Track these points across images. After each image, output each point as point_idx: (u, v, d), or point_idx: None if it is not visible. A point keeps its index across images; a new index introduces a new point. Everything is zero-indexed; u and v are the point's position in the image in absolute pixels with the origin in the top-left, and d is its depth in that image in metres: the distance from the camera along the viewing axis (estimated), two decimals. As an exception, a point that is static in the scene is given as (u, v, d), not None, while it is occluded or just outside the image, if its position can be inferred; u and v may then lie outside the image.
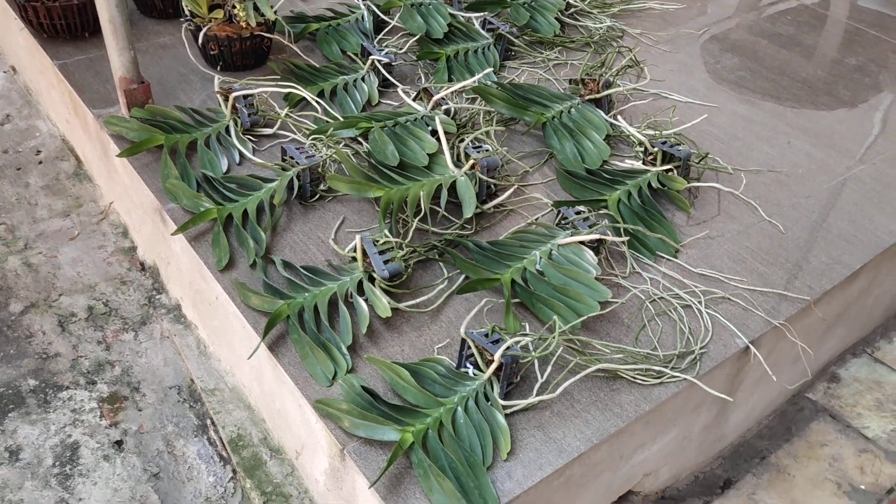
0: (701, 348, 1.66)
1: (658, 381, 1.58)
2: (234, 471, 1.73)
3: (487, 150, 1.96)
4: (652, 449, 1.69)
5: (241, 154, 2.07)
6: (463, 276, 1.78)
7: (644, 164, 2.08)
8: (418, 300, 1.70)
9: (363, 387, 1.49)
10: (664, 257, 1.87)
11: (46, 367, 1.93)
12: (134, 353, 1.98)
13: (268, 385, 1.69)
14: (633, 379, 1.58)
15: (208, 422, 1.82)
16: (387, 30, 2.64)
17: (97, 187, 2.47)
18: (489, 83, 2.27)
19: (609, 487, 1.67)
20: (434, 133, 2.09)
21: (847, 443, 2.01)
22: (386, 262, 1.67)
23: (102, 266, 2.21)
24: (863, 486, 1.91)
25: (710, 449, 1.93)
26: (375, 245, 1.69)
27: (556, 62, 2.59)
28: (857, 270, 1.90)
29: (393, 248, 1.71)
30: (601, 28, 2.77)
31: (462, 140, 2.07)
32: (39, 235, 2.29)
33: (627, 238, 1.78)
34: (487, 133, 2.05)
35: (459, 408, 1.47)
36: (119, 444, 1.78)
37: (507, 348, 1.47)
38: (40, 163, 2.56)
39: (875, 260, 1.95)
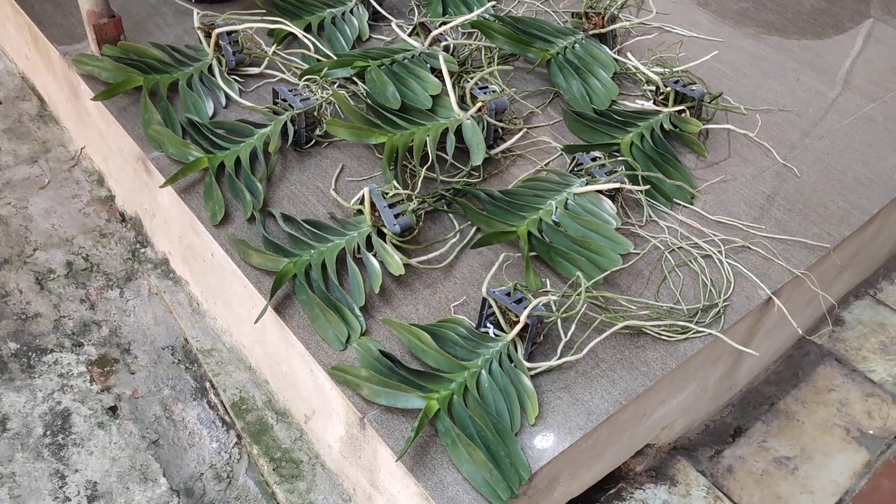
0: (724, 301, 1.60)
1: (683, 336, 1.53)
2: (238, 436, 1.65)
3: (494, 91, 1.84)
4: (672, 403, 1.65)
5: (227, 96, 1.93)
6: (475, 229, 1.69)
7: (655, 104, 1.99)
8: (430, 255, 1.61)
9: (381, 351, 1.41)
10: (680, 204, 1.80)
11: (27, 328, 1.81)
12: (121, 311, 1.86)
13: (272, 347, 1.60)
14: (657, 335, 1.52)
15: (207, 384, 1.73)
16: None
17: (65, 130, 2.29)
18: (488, 16, 2.13)
19: (630, 444, 1.63)
20: (434, 72, 1.96)
21: (854, 387, 2.00)
22: (397, 216, 1.56)
23: (78, 217, 2.06)
24: (871, 431, 1.91)
25: (721, 398, 1.91)
26: (384, 197, 1.58)
27: (554, -7, 2.45)
28: (874, 215, 1.85)
29: (403, 200, 1.60)
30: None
31: (466, 80, 1.94)
32: (6, 184, 2.12)
33: (647, 187, 1.70)
34: (492, 72, 1.93)
35: (484, 371, 1.40)
36: (113, 409, 1.68)
37: (533, 308, 1.40)
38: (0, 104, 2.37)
39: (890, 203, 1.90)
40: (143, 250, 1.99)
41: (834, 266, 1.86)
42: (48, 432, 1.63)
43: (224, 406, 1.69)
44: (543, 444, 1.34)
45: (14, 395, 1.69)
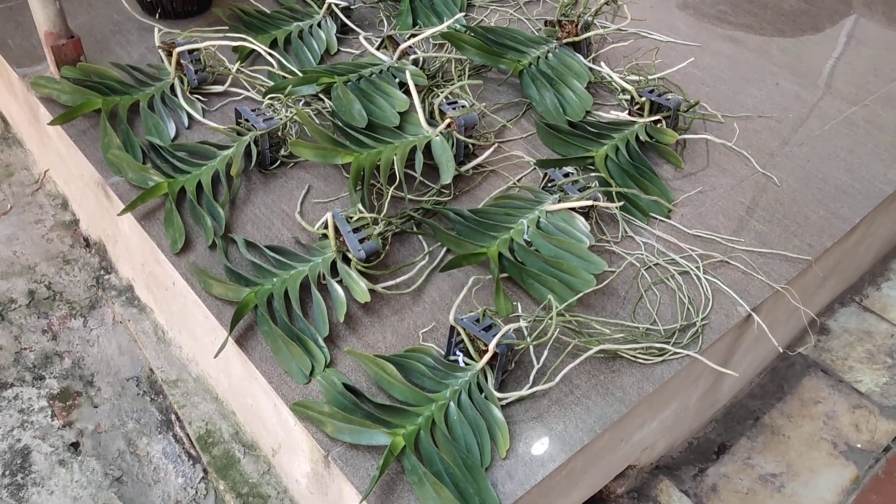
0: (702, 320, 1.55)
1: (660, 358, 1.48)
2: (204, 470, 1.60)
3: (464, 107, 1.79)
4: (651, 426, 1.60)
5: (189, 116, 1.87)
6: (445, 250, 1.63)
7: (630, 114, 1.94)
8: (398, 280, 1.55)
9: (345, 384, 1.35)
10: (657, 218, 1.75)
11: (-13, 362, 1.75)
12: (84, 341, 1.81)
13: (237, 379, 1.55)
14: (633, 358, 1.47)
15: (173, 417, 1.68)
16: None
17: (28, 153, 2.24)
18: (459, 27, 2.08)
19: (608, 469, 1.58)
20: (403, 87, 1.91)
21: (840, 399, 1.95)
22: (361, 240, 1.51)
23: (41, 243, 2.00)
24: (859, 445, 1.86)
25: (703, 414, 1.86)
26: (349, 222, 1.53)
27: (527, 0, 2.40)
28: (856, 224, 1.81)
29: (368, 224, 1.55)
30: (573, -40, 2.57)
31: (435, 95, 1.89)
32: (-33, 211, 2.07)
33: (621, 203, 1.65)
34: (462, 87, 1.88)
35: (452, 403, 1.35)
36: (75, 446, 1.63)
37: (502, 336, 1.35)
38: (-38, 126, 2.31)
39: (872, 211, 1.86)
40: (107, 276, 1.94)
41: (816, 278, 1.81)
42: (7, 472, 1.57)
43: (190, 439, 1.64)
44: (515, 477, 1.29)
45: (-28, 433, 1.63)
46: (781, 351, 1.88)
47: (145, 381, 1.74)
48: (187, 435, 1.64)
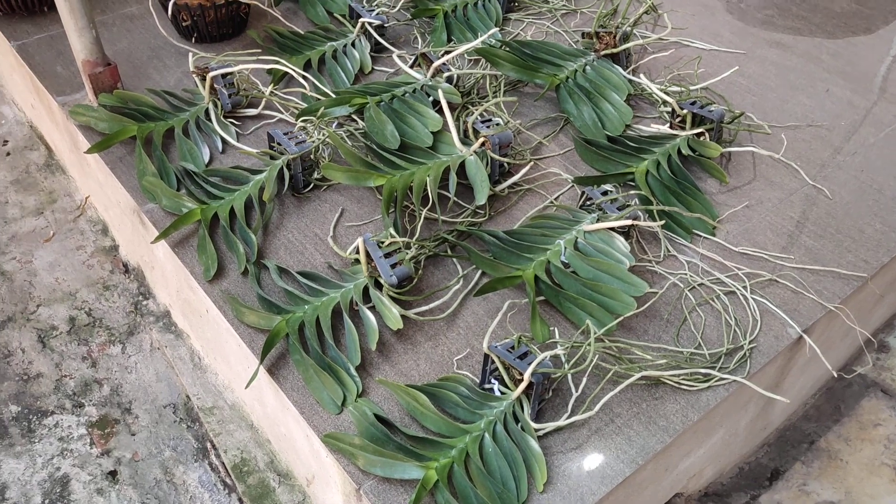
0: (750, 342, 1.48)
1: (706, 384, 1.41)
2: (240, 500, 1.58)
3: (498, 124, 1.75)
4: (698, 453, 1.53)
5: (223, 141, 1.87)
6: (479, 273, 1.59)
7: (671, 127, 1.87)
8: (431, 305, 1.52)
9: (377, 415, 1.32)
10: (701, 235, 1.68)
11: (28, 389, 1.77)
12: (122, 368, 1.81)
13: (270, 408, 1.53)
14: (677, 385, 1.41)
15: (208, 444, 1.66)
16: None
17: (71, 179, 2.27)
18: (493, 42, 2.04)
19: (652, 500, 1.52)
20: (437, 105, 1.88)
21: (902, 421, 1.85)
22: (393, 265, 1.48)
23: (82, 270, 2.02)
24: (923, 471, 1.76)
25: (755, 439, 1.78)
26: (380, 247, 1.50)
27: (564, 11, 2.35)
28: (915, 237, 1.71)
29: (400, 248, 1.52)
30: (611, -32, 2.52)
31: (469, 113, 1.86)
32: (12, 238, 2.10)
33: (663, 222, 1.58)
34: (497, 104, 1.84)
35: (487, 434, 1.30)
36: (113, 474, 1.63)
37: (538, 364, 1.30)
38: (8, 154, 2.35)
39: (933, 223, 1.76)
40: (145, 302, 1.94)
41: (873, 295, 1.72)
42: (46, 501, 1.58)
43: (226, 468, 1.62)
44: (553, 513, 1.24)
45: (14, 461, 1.64)
46: (836, 375, 1.79)
47: (182, 409, 1.74)
48: (223, 463, 1.63)
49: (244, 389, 1.61)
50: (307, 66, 2.07)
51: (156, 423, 1.71)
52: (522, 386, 1.30)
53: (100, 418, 1.72)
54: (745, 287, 1.57)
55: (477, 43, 1.91)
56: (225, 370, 1.72)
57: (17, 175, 2.28)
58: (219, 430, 1.67)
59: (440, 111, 1.85)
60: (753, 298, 1.55)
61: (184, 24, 2.14)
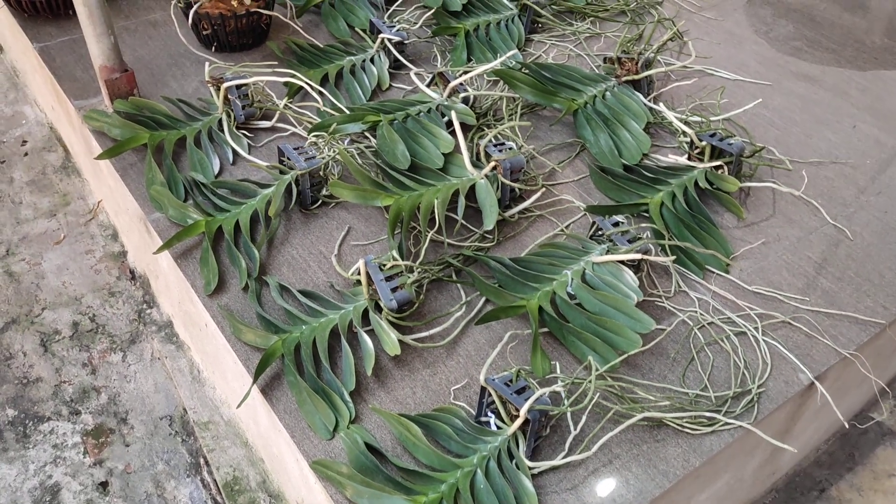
0: (759, 387, 1.43)
1: (710, 429, 1.36)
2: (229, 519, 1.56)
3: (511, 149, 1.71)
4: (700, 498, 1.48)
5: (234, 152, 1.85)
6: (483, 300, 1.56)
7: (689, 158, 1.83)
8: (432, 331, 1.48)
9: (368, 444, 1.29)
10: (714, 272, 1.63)
11: (27, 394, 1.76)
12: (122, 377, 1.80)
13: (263, 428, 1.50)
14: (680, 427, 1.36)
15: (202, 460, 1.64)
16: (400, 2, 2.38)
17: (86, 182, 2.27)
18: (513, 63, 2.01)
19: (651, 544, 1.47)
20: (450, 125, 1.85)
21: (918, 473, 1.79)
22: (394, 289, 1.45)
23: (90, 274, 2.02)
24: (937, 527, 1.69)
25: (762, 484, 1.72)
26: (382, 269, 1.47)
27: (588, 34, 2.32)
28: (938, 284, 1.65)
29: (402, 271, 1.49)
30: (638, -8, 2.48)
31: (482, 135, 1.83)
32: (23, 239, 2.10)
33: (674, 258, 1.54)
34: (512, 127, 1.81)
35: (479, 470, 1.26)
36: (104, 485, 1.61)
37: (535, 401, 1.26)
38: (26, 154, 2.36)
39: (958, 270, 1.70)
40: (149, 311, 1.93)
41: (891, 342, 1.66)
42: (35, 509, 1.57)
43: (217, 485, 1.60)
44: (543, 556, 1.20)
45: (6, 466, 1.63)
46: (847, 426, 1.73)
47: (178, 421, 1.72)
48: (214, 481, 1.60)
49: (236, 408, 1.58)
50: (324, 81, 2.05)
51: (151, 434, 1.70)
52: (518, 422, 1.27)
53: (95, 427, 1.70)
54: (756, 328, 1.52)
55: (495, 64, 1.88)
56: (222, 385, 1.70)
57: (34, 175, 2.29)
58: (213, 446, 1.64)
59: (453, 132, 1.82)
60: (765, 340, 1.50)
61: (204, 32, 2.14)
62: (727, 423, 1.37)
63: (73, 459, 1.65)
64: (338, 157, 1.72)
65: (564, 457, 1.30)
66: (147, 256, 1.89)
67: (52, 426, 1.70)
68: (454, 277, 1.59)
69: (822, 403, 1.56)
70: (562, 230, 1.70)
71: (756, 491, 1.72)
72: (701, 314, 1.54)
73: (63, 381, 1.78)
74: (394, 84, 2.10)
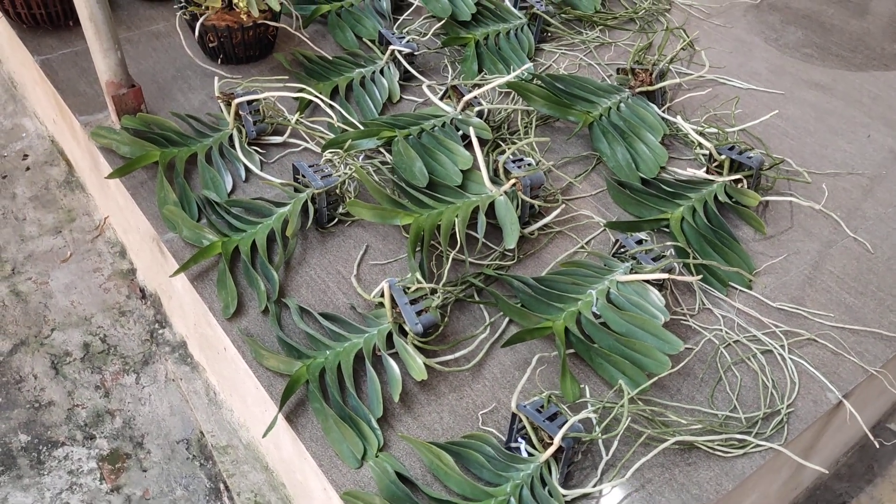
0: (788, 407, 1.42)
1: (741, 451, 1.35)
2: (251, 546, 1.53)
3: (530, 165, 1.69)
4: (728, 518, 1.47)
5: (247, 169, 1.82)
6: (507, 321, 1.54)
7: (708, 171, 1.81)
8: (457, 354, 1.46)
9: (398, 473, 1.27)
10: (737, 288, 1.62)
11: (39, 418, 1.73)
12: (136, 399, 1.77)
13: (287, 454, 1.48)
14: (712, 450, 1.35)
15: (221, 485, 1.62)
16: (408, 12, 2.35)
17: (90, 198, 2.23)
18: (526, 75, 1.99)
19: (680, 566, 1.46)
20: (466, 139, 1.83)
21: (938, 485, 1.79)
22: (419, 312, 1.43)
23: (99, 293, 1.98)
24: (960, 540, 1.69)
25: (784, 500, 1.72)
26: (406, 293, 1.45)
27: (598, 43, 2.30)
28: (960, 297, 1.65)
29: (426, 294, 1.46)
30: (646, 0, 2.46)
31: (500, 150, 1.81)
32: (28, 257, 2.06)
33: (700, 277, 1.52)
34: (530, 143, 1.79)
35: (513, 499, 1.25)
36: (122, 513, 1.58)
37: (569, 428, 1.24)
38: (28, 169, 2.32)
39: (978, 282, 1.69)
40: (161, 331, 1.90)
41: (914, 356, 1.66)
42: (53, 539, 1.54)
43: (238, 511, 1.57)
44: (580, 586, 1.19)
45: (21, 494, 1.60)
46: (878, 446, 1.73)
47: (195, 445, 1.69)
48: (235, 506, 1.58)
49: (262, 437, 1.56)
50: (334, 93, 2.02)
51: (168, 459, 1.67)
52: (552, 449, 1.25)
53: (111, 452, 1.68)
54: (782, 346, 1.51)
55: (511, 77, 1.86)
56: (241, 408, 1.67)
57: (37, 191, 2.25)
58: (233, 471, 1.62)
59: (468, 146, 1.80)
60: (791, 359, 1.49)
61: (210, 45, 2.10)
62: (758, 445, 1.36)
63: (90, 486, 1.62)
64: (354, 174, 1.69)
65: (598, 483, 1.28)
66: (158, 276, 1.86)
67: (66, 451, 1.67)
68: (476, 298, 1.57)
69: (846, 418, 1.55)
70: (582, 247, 1.69)
71: (779, 506, 1.71)
72: (726, 332, 1.53)
73: (76, 405, 1.75)
74: (404, 96, 2.08)
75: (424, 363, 1.40)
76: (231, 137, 1.87)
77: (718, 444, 1.35)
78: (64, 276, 2.02)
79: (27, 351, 1.85)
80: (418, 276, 1.50)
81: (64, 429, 1.71)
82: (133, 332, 1.90)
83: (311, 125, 1.92)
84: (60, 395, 1.77)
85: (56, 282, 2.00)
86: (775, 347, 1.51)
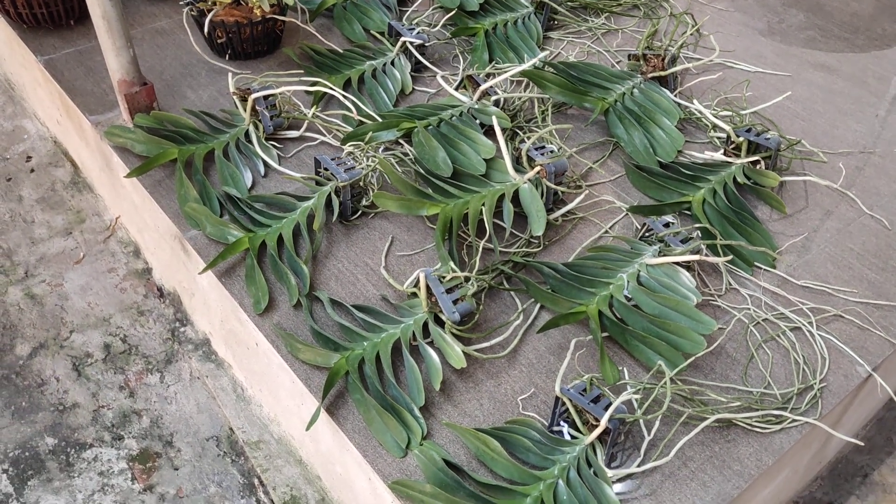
0: (820, 382, 1.44)
1: (779, 427, 1.37)
2: (290, 540, 1.53)
3: (553, 152, 1.70)
4: (763, 494, 1.49)
5: (265, 164, 1.81)
6: (538, 306, 1.55)
7: (725, 154, 1.83)
8: (492, 342, 1.47)
9: (446, 461, 1.27)
10: (761, 268, 1.64)
11: (65, 421, 1.71)
12: (162, 398, 1.76)
13: (325, 446, 1.48)
14: (750, 427, 1.37)
15: (255, 480, 1.61)
16: (415, 4, 2.35)
17: (99, 198, 2.21)
18: (539, 63, 2.00)
19: (719, 542, 1.48)
20: (484, 128, 1.84)
21: (957, 455, 1.82)
22: (455, 301, 1.43)
23: (115, 293, 1.97)
24: (982, 507, 1.73)
25: (809, 473, 1.74)
26: (441, 282, 1.45)
27: (605, 30, 2.31)
28: (977, 270, 1.68)
29: (461, 283, 1.47)
30: (648, -14, 2.48)
31: (520, 139, 1.81)
32: (40, 260, 2.04)
33: (729, 258, 1.54)
34: (550, 131, 1.79)
35: (561, 481, 1.26)
36: (157, 512, 1.57)
37: (615, 410, 1.25)
38: (32, 171, 2.29)
39: None
40: (182, 329, 1.89)
41: (935, 329, 1.69)
42: (89, 541, 1.53)
43: (274, 506, 1.57)
44: (632, 565, 1.20)
45: (53, 497, 1.59)
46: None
47: (225, 442, 1.69)
48: (271, 501, 1.58)
49: (295, 420, 1.56)
50: (347, 85, 2.02)
51: (199, 456, 1.66)
52: (598, 431, 1.26)
53: (140, 451, 1.66)
54: (810, 323, 1.53)
55: (528, 66, 1.87)
56: (271, 403, 1.66)
57: (43, 193, 2.22)
58: (266, 466, 1.62)
59: (486, 134, 1.80)
60: (820, 335, 1.52)
61: (218, 41, 2.09)
62: (795, 420, 1.38)
63: (122, 486, 1.61)
64: (377, 166, 1.69)
65: (641, 463, 1.30)
66: (178, 274, 1.85)
67: (95, 453, 1.66)
68: (506, 285, 1.58)
69: (871, 388, 1.58)
70: (606, 231, 1.70)
71: (805, 480, 1.74)
72: (755, 311, 1.55)
73: (101, 406, 1.74)
74: (416, 87, 2.08)
75: (462, 351, 1.40)
76: (247, 133, 1.86)
77: (756, 421, 1.37)
78: (78, 278, 2.00)
79: (47, 354, 1.83)
80: (452, 265, 1.50)
81: (91, 430, 1.70)
82: (153, 331, 1.89)
83: (328, 118, 1.91)
84: (84, 396, 1.75)
85: (71, 283, 1.98)
86: (804, 324, 1.53)
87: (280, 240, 1.62)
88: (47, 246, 2.08)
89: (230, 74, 1.92)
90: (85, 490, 1.60)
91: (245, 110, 1.85)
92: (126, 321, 1.91)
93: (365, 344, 1.42)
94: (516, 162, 1.73)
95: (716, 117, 1.87)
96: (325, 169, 1.70)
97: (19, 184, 2.25)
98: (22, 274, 2.00)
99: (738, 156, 1.80)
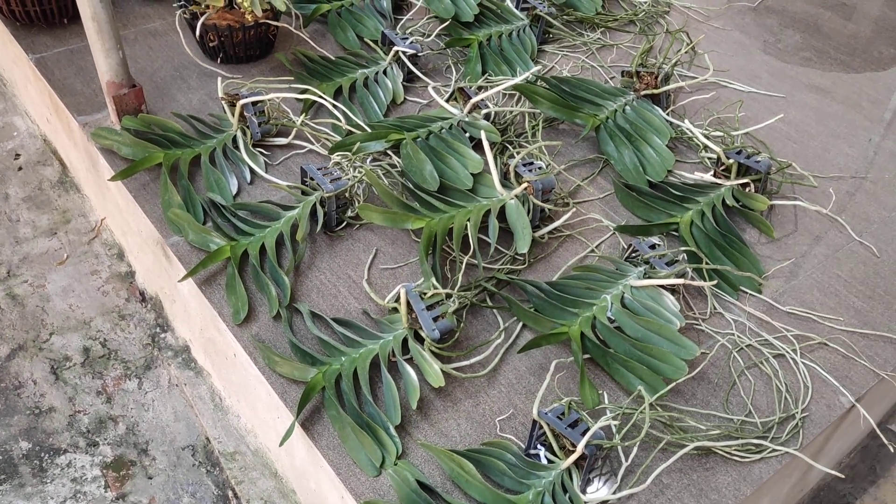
0: (802, 411, 1.43)
1: (758, 456, 1.36)
2: (262, 554, 1.51)
3: (541, 168, 1.69)
4: (742, 522, 1.48)
5: (252, 171, 1.80)
6: (521, 325, 1.53)
7: (715, 175, 1.82)
8: (472, 360, 1.45)
9: (419, 481, 1.26)
10: (747, 292, 1.63)
11: (40, 425, 1.69)
12: (139, 405, 1.74)
13: (300, 461, 1.46)
14: (729, 455, 1.35)
15: (230, 492, 1.59)
16: (410, 13, 2.33)
17: (86, 198, 2.19)
18: (531, 77, 1.98)
19: (695, 570, 1.46)
20: (473, 141, 1.82)
21: (940, 485, 1.81)
22: (436, 318, 1.41)
23: (97, 296, 1.95)
24: (963, 540, 1.71)
25: (790, 501, 1.73)
26: (422, 298, 1.43)
27: (599, 45, 2.30)
28: (965, 301, 1.67)
29: (442, 300, 1.45)
30: (646, 1, 2.46)
31: (509, 154, 1.80)
32: (24, 260, 2.02)
33: (714, 282, 1.53)
34: (539, 147, 1.78)
35: (535, 507, 1.24)
36: (129, 521, 1.55)
37: (592, 435, 1.24)
38: (20, 169, 2.27)
39: (981, 286, 1.72)
40: (163, 335, 1.87)
41: (920, 359, 1.67)
42: (59, 549, 1.51)
43: (248, 519, 1.55)
44: None
45: (24, 503, 1.56)
46: (893, 450, 1.75)
47: (201, 451, 1.67)
48: (245, 514, 1.56)
49: (272, 434, 1.54)
50: (338, 93, 2.00)
51: (174, 466, 1.64)
52: (574, 456, 1.24)
53: (115, 459, 1.65)
54: (794, 350, 1.52)
55: (519, 80, 1.85)
56: (249, 414, 1.65)
57: (30, 191, 2.20)
58: (241, 478, 1.60)
59: (474, 148, 1.79)
60: (803, 363, 1.50)
61: (210, 44, 2.07)
62: (775, 450, 1.37)
63: (95, 494, 1.59)
64: (364, 178, 1.67)
65: (617, 490, 1.28)
66: (160, 280, 1.83)
67: (69, 459, 1.64)
68: (489, 302, 1.56)
69: (854, 418, 1.57)
70: (592, 251, 1.69)
71: (785, 508, 1.72)
72: (738, 336, 1.54)
73: (78, 411, 1.72)
74: (408, 97, 2.06)
75: (441, 369, 1.38)
76: (235, 139, 1.84)
77: (735, 450, 1.36)
78: (61, 279, 1.98)
79: (25, 356, 1.81)
80: (434, 281, 1.48)
81: (66, 435, 1.68)
82: (134, 336, 1.87)
83: (317, 127, 1.90)
84: (61, 400, 1.74)
85: (53, 285, 1.97)
86: (787, 352, 1.51)
87: (262, 249, 1.60)
88: (31, 245, 2.06)
89: (219, 79, 1.90)
90: (57, 497, 1.58)
91: (233, 116, 1.84)
92: (107, 325, 1.89)
93: (343, 359, 1.41)
94: (504, 177, 1.71)
95: (707, 138, 1.85)
96: (311, 178, 1.68)
97: (6, 181, 2.23)
98: (4, 273, 1.98)
99: (727, 177, 1.79)
